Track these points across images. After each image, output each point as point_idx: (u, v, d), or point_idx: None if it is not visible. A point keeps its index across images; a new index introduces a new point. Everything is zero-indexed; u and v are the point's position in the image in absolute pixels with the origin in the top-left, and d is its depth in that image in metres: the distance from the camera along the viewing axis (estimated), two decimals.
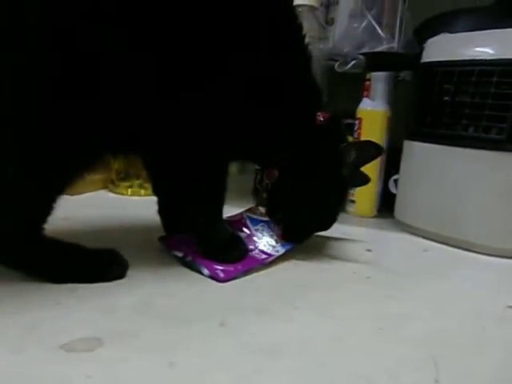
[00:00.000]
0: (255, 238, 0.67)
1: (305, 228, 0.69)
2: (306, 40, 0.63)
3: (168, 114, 0.54)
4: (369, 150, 0.67)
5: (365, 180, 0.76)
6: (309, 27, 0.95)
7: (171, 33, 0.51)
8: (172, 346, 0.43)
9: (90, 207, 0.89)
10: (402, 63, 0.96)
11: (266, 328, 0.48)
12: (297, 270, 0.65)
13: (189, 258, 0.61)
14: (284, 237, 0.67)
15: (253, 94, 0.58)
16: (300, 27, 0.63)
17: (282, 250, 0.66)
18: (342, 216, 0.72)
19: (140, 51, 0.50)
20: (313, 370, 0.41)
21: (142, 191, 1.02)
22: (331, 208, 0.70)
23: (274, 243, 0.67)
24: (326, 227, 0.71)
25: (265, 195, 0.69)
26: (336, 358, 0.43)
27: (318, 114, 0.65)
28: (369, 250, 0.77)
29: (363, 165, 0.68)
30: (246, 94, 0.58)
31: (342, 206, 0.72)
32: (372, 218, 1.01)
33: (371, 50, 0.95)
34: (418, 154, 0.87)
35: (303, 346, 0.45)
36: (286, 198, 0.67)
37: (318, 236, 0.74)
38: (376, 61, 0.91)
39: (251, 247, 0.65)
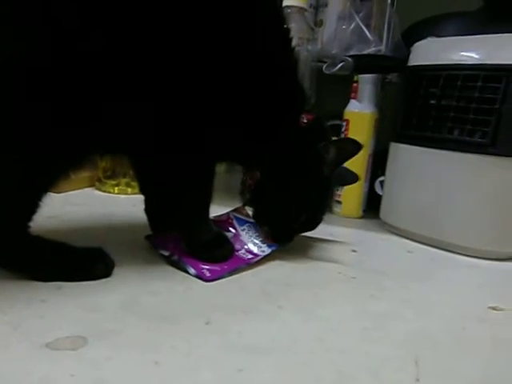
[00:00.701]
0: (242, 238, 0.67)
1: (289, 228, 0.69)
2: (294, 42, 0.63)
3: (153, 115, 0.54)
4: (348, 148, 0.67)
5: (354, 178, 0.77)
6: (298, 28, 0.96)
7: (159, 36, 0.51)
8: (157, 344, 0.43)
9: (77, 205, 0.88)
10: (390, 66, 0.97)
11: (251, 327, 0.48)
12: (282, 269, 0.65)
13: (175, 257, 0.61)
14: (271, 237, 0.68)
15: (238, 96, 0.58)
16: (287, 30, 0.63)
17: (267, 251, 0.66)
18: (328, 217, 0.72)
19: (127, 54, 0.50)
20: (297, 368, 0.41)
21: (129, 189, 1.01)
22: (315, 208, 0.70)
23: (260, 243, 0.67)
24: (312, 227, 0.71)
25: (248, 196, 0.69)
26: (320, 356, 0.44)
27: (302, 116, 0.66)
28: (354, 251, 0.78)
29: (343, 162, 0.69)
30: (231, 96, 0.58)
31: (326, 205, 0.72)
32: (358, 218, 1.02)
33: (359, 53, 0.96)
34: (404, 156, 0.89)
35: (288, 344, 0.45)
36: (268, 198, 0.67)
37: (304, 236, 0.74)
38: (364, 63, 0.92)
39: (237, 247, 0.65)
